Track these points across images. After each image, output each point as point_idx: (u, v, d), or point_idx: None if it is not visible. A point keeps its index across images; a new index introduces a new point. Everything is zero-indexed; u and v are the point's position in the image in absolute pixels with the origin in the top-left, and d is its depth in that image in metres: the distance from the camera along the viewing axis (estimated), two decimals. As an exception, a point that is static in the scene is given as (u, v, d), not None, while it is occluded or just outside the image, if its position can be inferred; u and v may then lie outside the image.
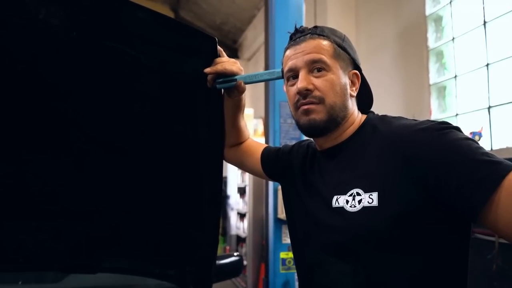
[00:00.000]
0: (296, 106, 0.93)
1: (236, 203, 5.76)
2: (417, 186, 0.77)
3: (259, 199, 4.81)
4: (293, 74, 0.93)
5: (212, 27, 8.09)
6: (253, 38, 7.32)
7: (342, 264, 0.86)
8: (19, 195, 1.17)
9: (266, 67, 2.81)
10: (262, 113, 6.46)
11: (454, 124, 0.82)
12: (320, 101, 0.90)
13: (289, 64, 0.93)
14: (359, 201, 0.83)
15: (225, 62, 1.07)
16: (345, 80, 0.93)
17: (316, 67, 0.90)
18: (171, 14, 7.69)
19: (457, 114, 3.06)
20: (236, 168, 5.57)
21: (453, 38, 3.13)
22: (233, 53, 8.22)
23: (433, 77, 3.31)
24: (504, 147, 2.62)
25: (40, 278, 1.88)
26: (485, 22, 2.82)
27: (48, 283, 1.83)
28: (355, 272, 0.84)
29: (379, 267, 0.81)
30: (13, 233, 1.28)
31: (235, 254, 2.06)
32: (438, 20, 3.34)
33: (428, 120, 0.84)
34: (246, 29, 7.70)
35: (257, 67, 7.12)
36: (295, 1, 2.77)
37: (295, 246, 1.06)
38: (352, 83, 0.96)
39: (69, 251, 1.38)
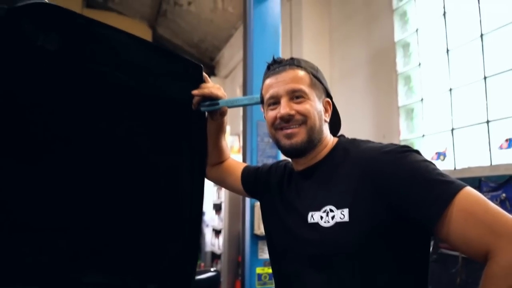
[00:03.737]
0: (276, 128, 1.02)
1: (211, 219, 5.77)
2: (383, 202, 0.86)
3: (235, 216, 4.85)
4: (274, 101, 1.02)
5: (190, 44, 8.18)
6: (230, 56, 7.43)
7: (318, 275, 0.93)
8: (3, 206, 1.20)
9: (244, 86, 2.91)
10: (238, 130, 6.54)
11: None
12: (303, 122, 0.99)
13: (271, 92, 1.02)
14: (332, 217, 0.92)
15: (211, 87, 1.16)
16: (320, 106, 1.03)
17: (296, 95, 0.99)
18: (149, 31, 7.74)
19: (423, 135, 3.22)
20: (211, 184, 5.59)
21: (420, 64, 3.32)
22: (210, 71, 8.31)
23: (402, 100, 3.48)
24: (466, 166, 2.79)
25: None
26: (448, 50, 3.02)
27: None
28: (329, 282, 0.91)
29: (351, 277, 0.89)
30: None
31: (212, 269, 2.10)
32: (406, 46, 3.54)
33: (392, 144, 0.95)
34: (223, 48, 7.81)
35: (234, 85, 7.23)
36: (272, 24, 2.89)
37: (273, 259, 1.13)
38: (325, 110, 1.06)
39: (50, 266, 1.40)
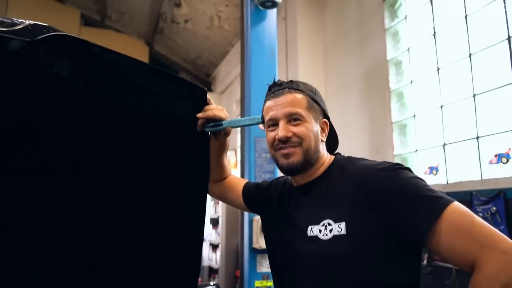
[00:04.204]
0: (275, 148, 1.10)
1: (208, 234, 5.79)
2: (377, 217, 0.93)
3: (232, 230, 4.88)
4: (273, 123, 1.10)
5: (186, 61, 8.30)
6: (226, 72, 7.54)
7: (317, 285, 0.99)
8: (9, 226, 1.25)
9: (242, 103, 2.99)
10: (235, 146, 6.59)
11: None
12: (299, 144, 1.06)
13: (270, 114, 1.10)
14: (330, 230, 0.98)
15: (214, 109, 1.23)
16: (317, 128, 1.10)
17: (293, 117, 1.07)
18: (146, 48, 7.85)
19: (416, 150, 3.30)
20: (208, 199, 5.61)
21: (412, 81, 3.43)
22: (207, 87, 8.22)
23: (395, 116, 3.57)
24: (458, 181, 2.87)
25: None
26: (438, 68, 3.13)
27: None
28: None
29: (348, 286, 0.96)
30: (3, 265, 1.33)
31: (212, 283, 2.14)
32: (398, 64, 3.65)
33: (385, 162, 1.02)
34: (219, 64, 7.91)
35: (230, 100, 7.32)
36: (269, 44, 2.99)
37: (275, 272, 1.19)
38: (322, 130, 1.12)
39: (56, 283, 1.44)
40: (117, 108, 1.16)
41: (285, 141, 1.06)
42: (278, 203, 1.20)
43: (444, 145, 3.02)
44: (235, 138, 6.36)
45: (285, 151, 1.07)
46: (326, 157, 1.14)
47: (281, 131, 1.06)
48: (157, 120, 1.22)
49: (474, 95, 2.78)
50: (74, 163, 1.21)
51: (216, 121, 1.24)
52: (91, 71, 1.09)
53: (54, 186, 1.23)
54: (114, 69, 1.12)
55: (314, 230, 1.01)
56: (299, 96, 1.09)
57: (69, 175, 1.22)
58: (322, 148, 1.12)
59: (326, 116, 1.15)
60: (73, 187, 1.24)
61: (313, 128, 1.08)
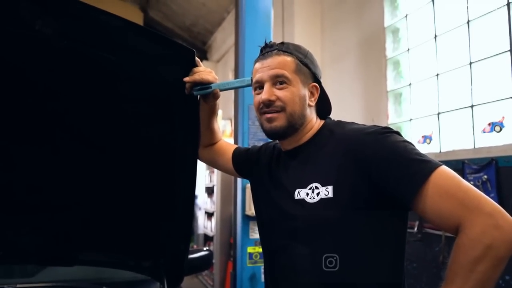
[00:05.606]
0: (260, 112, 1.09)
1: (204, 202, 5.85)
2: (364, 180, 0.93)
3: (227, 198, 4.93)
4: (259, 85, 1.08)
5: (182, 28, 8.12)
6: (222, 40, 7.40)
7: (302, 247, 1.00)
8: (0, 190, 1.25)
9: (236, 70, 2.94)
10: (231, 115, 6.57)
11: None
12: (282, 109, 1.04)
13: (257, 76, 1.08)
14: (317, 194, 0.98)
15: (202, 72, 1.21)
16: (305, 92, 1.08)
17: (279, 80, 1.05)
18: (140, 14, 7.65)
19: (411, 119, 3.29)
20: (204, 169, 5.61)
21: (408, 49, 3.38)
22: (202, 55, 8.27)
23: (390, 84, 3.53)
24: (451, 150, 2.87)
25: (12, 273, 1.91)
26: (435, 36, 3.08)
27: (22, 278, 1.87)
28: (313, 254, 0.98)
29: (333, 249, 0.96)
30: None
31: (205, 249, 2.18)
32: (395, 31, 3.58)
33: (374, 125, 1.01)
34: (215, 31, 7.76)
35: (226, 69, 7.23)
36: (264, 8, 2.92)
37: (262, 235, 1.20)
38: (312, 94, 1.10)
39: (48, 244, 1.46)
40: (102, 68, 1.14)
41: (268, 104, 1.04)
42: (267, 167, 1.20)
43: (438, 114, 3.01)
44: (230, 107, 6.32)
45: (268, 115, 1.06)
46: (315, 122, 1.12)
47: (265, 94, 1.04)
48: (143, 81, 1.19)
49: (470, 63, 2.74)
50: (60, 123, 1.19)
51: (204, 84, 1.21)
52: (75, 29, 1.06)
53: (40, 147, 1.22)
54: (99, 27, 1.08)
55: (301, 194, 1.02)
56: (287, 58, 1.07)
57: (55, 134, 1.20)
58: (310, 112, 1.10)
59: (317, 80, 1.13)
60: (59, 147, 1.23)
61: (300, 92, 1.06)
